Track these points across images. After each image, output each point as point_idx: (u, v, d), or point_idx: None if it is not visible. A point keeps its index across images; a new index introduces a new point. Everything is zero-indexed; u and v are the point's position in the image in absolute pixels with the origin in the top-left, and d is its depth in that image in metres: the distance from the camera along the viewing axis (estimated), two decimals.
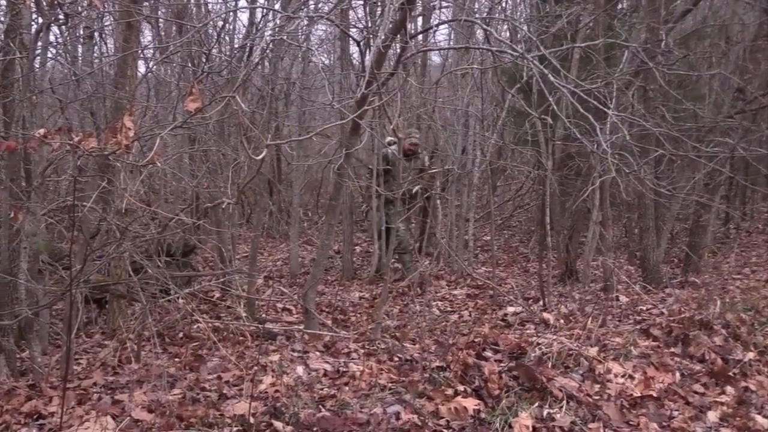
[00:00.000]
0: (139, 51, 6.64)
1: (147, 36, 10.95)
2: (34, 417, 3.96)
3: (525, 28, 7.60)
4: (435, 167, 9.96)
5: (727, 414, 3.94)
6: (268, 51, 8.23)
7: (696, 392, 4.18)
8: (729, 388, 4.21)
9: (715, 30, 9.59)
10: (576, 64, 8.06)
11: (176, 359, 5.05)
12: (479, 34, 10.58)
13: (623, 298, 6.93)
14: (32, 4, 4.84)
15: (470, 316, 7.20)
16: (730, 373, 4.36)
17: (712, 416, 3.93)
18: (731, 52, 9.29)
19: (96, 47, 8.10)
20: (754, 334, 4.93)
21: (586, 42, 7.20)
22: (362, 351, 5.06)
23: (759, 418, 3.89)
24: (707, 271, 8.73)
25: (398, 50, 5.79)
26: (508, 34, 11.39)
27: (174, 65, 8.77)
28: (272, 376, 4.19)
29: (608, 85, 6.34)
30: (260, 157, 3.30)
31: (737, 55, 9.48)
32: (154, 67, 8.19)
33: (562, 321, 5.98)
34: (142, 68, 8.34)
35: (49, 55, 6.20)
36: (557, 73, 5.35)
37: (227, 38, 10.48)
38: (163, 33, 9.51)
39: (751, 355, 4.61)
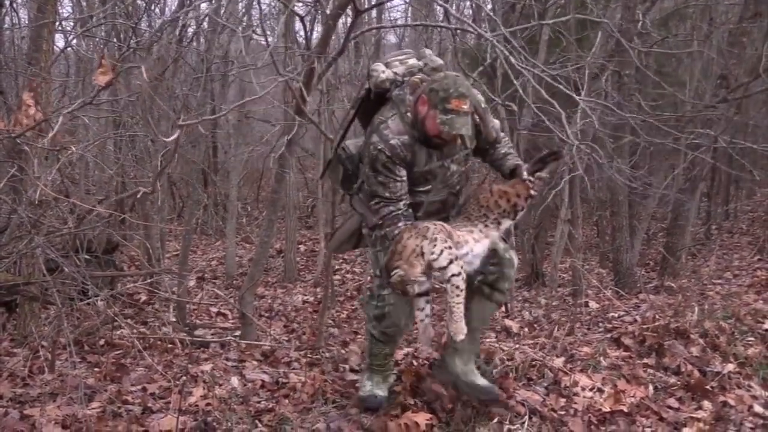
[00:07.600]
0: (57, 22, 6.54)
1: (66, 6, 10.81)
2: None
3: (488, 5, 7.63)
4: None
5: (703, 431, 4.00)
6: (202, 25, 8.20)
7: (670, 407, 4.22)
8: (706, 403, 4.26)
9: (698, 10, 9.72)
10: (544, 46, 8.13)
11: (96, 369, 4.99)
12: (439, 11, 10.64)
13: (593, 304, 7.00)
14: None
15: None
16: (708, 387, 4.41)
17: None
18: (714, 34, 9.42)
19: (6, 17, 7.96)
20: (734, 344, 4.98)
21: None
22: (304, 360, 5.05)
23: None
24: (685, 275, 8.87)
25: (347, 27, 5.78)
26: (470, 11, 11.46)
27: (97, 40, 8.66)
28: (203, 388, 4.17)
29: (579, 70, 6.40)
30: (172, 138, 3.26)
31: (721, 38, 9.62)
32: (74, 41, 8.08)
33: (525, 329, 6.04)
34: (60, 42, 8.23)
35: None
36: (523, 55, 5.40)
37: (157, 10, 10.41)
38: (84, 3, 9.39)
39: (730, 367, 4.66)
